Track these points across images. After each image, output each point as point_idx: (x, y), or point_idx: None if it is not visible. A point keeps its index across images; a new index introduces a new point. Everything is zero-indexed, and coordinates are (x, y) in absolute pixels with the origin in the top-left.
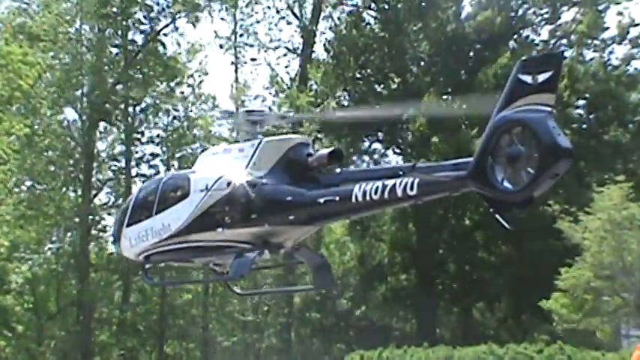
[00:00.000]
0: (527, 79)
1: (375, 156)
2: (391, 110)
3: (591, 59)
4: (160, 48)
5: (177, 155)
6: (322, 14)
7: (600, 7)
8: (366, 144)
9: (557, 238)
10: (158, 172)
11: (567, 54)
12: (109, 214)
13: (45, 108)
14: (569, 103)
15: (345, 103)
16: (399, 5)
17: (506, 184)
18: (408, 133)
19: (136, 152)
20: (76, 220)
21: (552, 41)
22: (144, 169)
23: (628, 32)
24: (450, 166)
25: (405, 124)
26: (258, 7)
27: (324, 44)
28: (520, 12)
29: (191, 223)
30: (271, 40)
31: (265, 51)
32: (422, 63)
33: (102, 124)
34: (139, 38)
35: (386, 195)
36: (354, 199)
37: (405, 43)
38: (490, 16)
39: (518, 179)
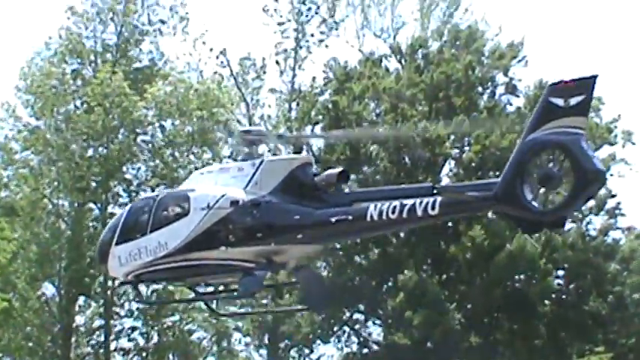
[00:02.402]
0: (559, 102)
1: (357, 326)
2: None
3: (569, 229)
4: None
5: (157, 327)
6: None
7: None
8: (347, 314)
9: None
10: (137, 345)
11: None
12: None
13: (23, 283)
14: (547, 273)
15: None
16: (378, 177)
17: (537, 204)
18: (389, 305)
19: (115, 326)
20: None
21: None
22: (123, 342)
23: (605, 203)
24: (475, 187)
25: (385, 295)
26: None
27: None
28: None
29: (191, 241)
30: None
31: None
32: (401, 234)
33: (81, 298)
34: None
35: (404, 214)
36: (368, 218)
37: None
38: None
39: (549, 200)
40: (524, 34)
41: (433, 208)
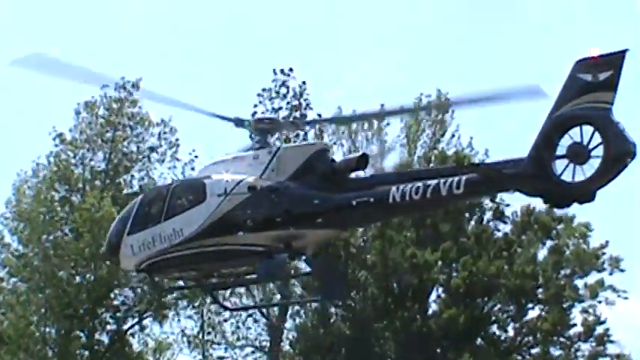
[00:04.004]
0: (587, 77)
1: None
2: None
3: (558, 356)
4: (127, 348)
5: None
6: (289, 312)
7: (565, 305)
8: None
9: None
10: None
11: (533, 351)
12: None
13: None
14: None
15: None
16: (365, 303)
17: (567, 178)
18: None
19: None
20: None
21: (519, 338)
22: None
23: (594, 330)
24: (502, 164)
25: None
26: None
27: (290, 342)
28: (485, 309)
29: (208, 227)
30: (239, 339)
31: (233, 349)
32: None
33: None
34: (105, 338)
35: (428, 194)
36: (390, 200)
37: (371, 341)
38: (455, 314)
39: (579, 174)
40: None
41: (458, 187)
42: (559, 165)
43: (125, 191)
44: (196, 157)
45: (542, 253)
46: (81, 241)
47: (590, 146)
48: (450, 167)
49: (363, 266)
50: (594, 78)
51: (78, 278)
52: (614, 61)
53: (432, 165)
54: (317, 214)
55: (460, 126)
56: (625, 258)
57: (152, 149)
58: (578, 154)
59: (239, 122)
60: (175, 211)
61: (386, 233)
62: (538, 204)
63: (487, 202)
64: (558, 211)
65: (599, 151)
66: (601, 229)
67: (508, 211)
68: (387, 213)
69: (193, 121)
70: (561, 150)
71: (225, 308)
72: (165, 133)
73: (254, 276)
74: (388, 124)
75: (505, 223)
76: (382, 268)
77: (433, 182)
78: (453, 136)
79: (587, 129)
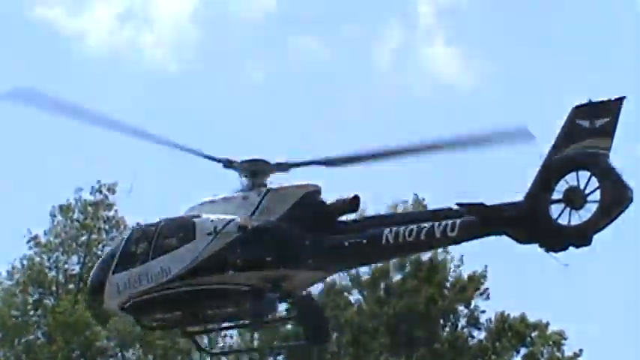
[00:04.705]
0: (585, 123)
1: None
2: None
3: None
4: None
5: None
6: None
7: None
8: None
9: None
10: None
11: None
12: None
13: None
14: None
15: None
16: None
17: (563, 222)
18: None
19: None
20: None
21: None
22: None
23: None
24: (499, 207)
25: None
26: None
27: None
28: None
29: (197, 265)
30: None
31: None
32: None
33: None
34: None
35: (422, 236)
36: (384, 241)
37: None
38: None
39: (575, 218)
40: (486, 264)
41: (453, 229)
42: (555, 210)
43: None
44: None
45: None
46: (54, 344)
47: (587, 191)
48: (444, 209)
49: None
50: (591, 124)
51: None
52: (612, 108)
53: (406, 270)
54: (308, 255)
55: None
56: None
57: None
58: (575, 198)
59: (228, 163)
60: (163, 249)
61: (360, 339)
62: (512, 311)
63: (462, 308)
64: (532, 318)
65: (596, 196)
66: (575, 337)
67: (483, 318)
68: (379, 254)
69: None
70: (557, 195)
71: (207, 353)
72: None
73: (241, 321)
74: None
75: (479, 329)
76: None
77: (427, 225)
78: None
79: (584, 174)
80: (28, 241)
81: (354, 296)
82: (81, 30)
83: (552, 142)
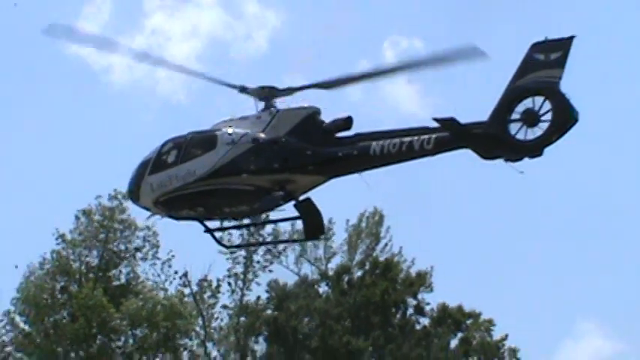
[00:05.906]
0: (541, 57)
1: None
2: None
3: None
4: None
5: None
6: None
7: None
8: None
9: None
10: None
11: None
12: None
13: None
14: None
15: None
16: None
17: (520, 137)
18: None
19: None
20: None
21: None
22: None
23: None
24: (465, 126)
25: None
26: None
27: None
28: None
29: (217, 169)
30: None
31: None
32: None
33: None
34: None
35: (404, 149)
36: (371, 153)
37: None
38: None
39: (529, 134)
40: (432, 264)
41: (429, 143)
42: (513, 128)
43: (114, 283)
44: (173, 256)
45: (453, 343)
46: (76, 323)
47: (541, 112)
48: (423, 127)
49: (308, 350)
50: (546, 58)
51: (73, 354)
52: (564, 44)
53: (366, 268)
54: (308, 163)
55: (393, 237)
56: (522, 349)
57: (137, 249)
58: (531, 118)
59: (243, 89)
60: (190, 156)
61: (326, 323)
62: (452, 302)
63: (410, 299)
64: (468, 309)
65: (548, 117)
66: (503, 323)
67: (427, 308)
68: (367, 164)
69: (170, 226)
70: (516, 115)
71: (222, 245)
72: (148, 236)
73: (253, 219)
74: (334, 234)
75: (424, 317)
76: (323, 353)
77: (407, 139)
78: (386, 245)
79: (539, 99)
80: (57, 238)
81: (322, 288)
82: (107, 65)
83: (514, 73)
